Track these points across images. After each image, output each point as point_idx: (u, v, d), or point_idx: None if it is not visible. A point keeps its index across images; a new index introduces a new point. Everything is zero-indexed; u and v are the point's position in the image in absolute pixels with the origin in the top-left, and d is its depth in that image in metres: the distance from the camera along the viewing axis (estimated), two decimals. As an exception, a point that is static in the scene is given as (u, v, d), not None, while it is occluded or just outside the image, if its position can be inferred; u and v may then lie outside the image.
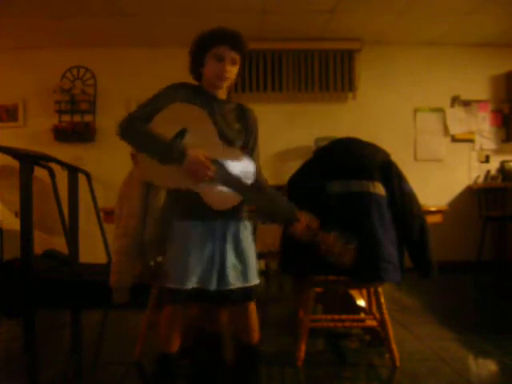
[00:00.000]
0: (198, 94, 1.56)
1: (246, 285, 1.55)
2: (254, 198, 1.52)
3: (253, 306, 1.62)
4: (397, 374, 1.95)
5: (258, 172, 1.60)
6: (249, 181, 1.49)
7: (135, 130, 1.45)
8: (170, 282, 1.50)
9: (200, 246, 1.50)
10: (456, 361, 2.06)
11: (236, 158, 1.50)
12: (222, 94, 1.61)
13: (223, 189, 1.47)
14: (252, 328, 1.63)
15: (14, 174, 3.06)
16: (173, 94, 1.51)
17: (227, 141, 1.53)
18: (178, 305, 1.55)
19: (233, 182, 1.47)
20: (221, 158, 1.47)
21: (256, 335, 1.65)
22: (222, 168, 1.47)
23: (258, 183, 1.57)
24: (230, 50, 1.52)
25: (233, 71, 1.55)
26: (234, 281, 1.52)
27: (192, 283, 1.48)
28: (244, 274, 1.55)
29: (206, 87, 1.59)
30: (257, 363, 1.70)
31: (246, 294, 1.57)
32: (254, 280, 1.58)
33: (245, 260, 1.56)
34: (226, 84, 1.57)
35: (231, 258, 1.53)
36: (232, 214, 1.54)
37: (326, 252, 1.49)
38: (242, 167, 1.49)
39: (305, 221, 1.50)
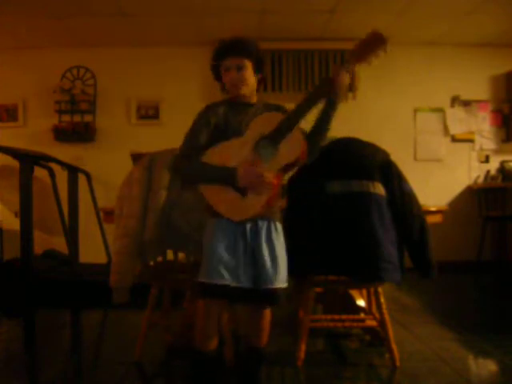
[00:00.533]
0: (229, 108, 1.63)
1: (274, 286, 1.53)
2: (302, 109, 1.53)
3: (269, 310, 1.63)
4: (397, 374, 1.95)
5: None
6: None
7: (188, 167, 1.56)
8: (201, 277, 1.51)
9: (230, 242, 1.52)
10: (456, 361, 2.05)
11: (268, 119, 1.55)
12: (252, 98, 1.68)
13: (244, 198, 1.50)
14: (265, 331, 1.65)
15: (14, 174, 3.06)
16: (206, 118, 1.60)
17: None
18: (210, 300, 1.55)
19: (285, 126, 1.50)
20: (262, 134, 1.52)
21: (266, 339, 1.67)
22: (269, 135, 1.51)
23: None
24: (233, 58, 1.60)
25: (243, 76, 1.61)
26: (270, 280, 1.53)
27: (223, 279, 1.48)
28: (273, 276, 1.53)
29: (236, 99, 1.66)
30: (260, 365, 1.71)
31: (273, 296, 1.55)
32: (283, 283, 1.56)
33: (275, 261, 1.54)
34: (243, 90, 1.62)
35: (267, 258, 1.53)
36: (262, 214, 1.54)
37: (368, 53, 1.50)
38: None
39: (336, 75, 1.53)
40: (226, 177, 1.50)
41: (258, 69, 1.65)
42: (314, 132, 1.60)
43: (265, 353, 1.69)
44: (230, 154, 1.53)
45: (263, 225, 1.55)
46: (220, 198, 1.53)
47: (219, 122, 1.59)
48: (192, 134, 1.58)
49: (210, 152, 1.55)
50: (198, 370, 1.63)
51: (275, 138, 1.50)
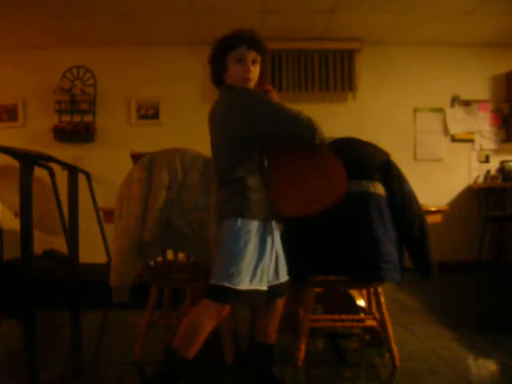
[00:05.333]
0: None
1: (286, 279, 1.65)
2: None
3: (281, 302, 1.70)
4: (397, 373, 1.95)
5: None
6: None
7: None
8: (232, 282, 1.45)
9: (261, 245, 1.53)
10: (456, 361, 2.05)
11: None
12: None
13: None
14: (276, 326, 1.71)
15: (14, 174, 3.06)
16: None
17: None
18: (230, 305, 1.52)
19: None
20: None
21: (275, 335, 1.72)
22: None
23: None
24: (248, 50, 1.53)
25: (255, 71, 1.56)
26: (285, 274, 1.64)
27: (259, 284, 1.51)
28: (285, 269, 1.65)
29: None
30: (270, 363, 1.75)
31: (283, 288, 1.64)
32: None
33: (282, 255, 1.66)
34: (251, 86, 1.56)
35: (282, 254, 1.64)
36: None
37: None
38: None
39: None
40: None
41: (261, 69, 1.60)
42: None
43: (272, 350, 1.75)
44: None
45: (275, 225, 1.63)
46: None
47: None
48: (286, 109, 1.54)
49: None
50: (169, 375, 1.54)
51: None
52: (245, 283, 1.46)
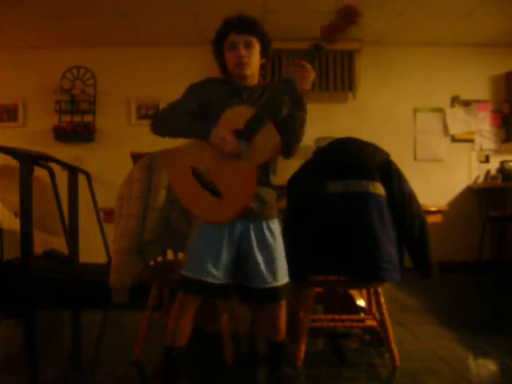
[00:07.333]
0: (225, 84, 1.57)
1: (273, 285, 1.55)
2: (268, 106, 1.45)
3: (282, 306, 1.63)
4: (397, 373, 1.95)
5: None
6: None
7: (167, 117, 1.56)
8: (183, 270, 1.55)
9: (214, 240, 1.51)
10: (456, 361, 2.06)
11: (237, 114, 1.49)
12: (252, 81, 1.59)
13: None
14: (277, 326, 1.66)
15: (14, 174, 3.06)
16: (200, 88, 1.55)
17: None
18: (187, 294, 1.56)
19: (254, 123, 1.43)
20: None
21: (281, 333, 1.69)
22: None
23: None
24: (238, 35, 1.51)
25: (250, 55, 1.52)
26: (268, 281, 1.53)
27: (204, 276, 1.49)
28: (272, 274, 1.54)
29: (235, 80, 1.58)
30: (280, 358, 1.78)
31: (273, 293, 1.56)
32: (282, 280, 1.57)
33: (270, 261, 1.54)
34: (248, 71, 1.52)
35: (261, 260, 1.53)
36: (253, 215, 1.52)
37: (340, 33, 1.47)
38: None
39: (292, 71, 1.50)
40: (202, 130, 1.47)
41: (264, 52, 1.56)
42: (281, 131, 1.47)
43: (282, 346, 1.73)
44: (203, 151, 1.50)
45: (253, 226, 1.53)
46: (195, 199, 1.51)
47: (203, 101, 1.54)
48: (181, 98, 1.58)
49: (183, 149, 1.56)
50: (164, 367, 1.63)
51: (247, 135, 1.43)
52: (188, 270, 1.52)
